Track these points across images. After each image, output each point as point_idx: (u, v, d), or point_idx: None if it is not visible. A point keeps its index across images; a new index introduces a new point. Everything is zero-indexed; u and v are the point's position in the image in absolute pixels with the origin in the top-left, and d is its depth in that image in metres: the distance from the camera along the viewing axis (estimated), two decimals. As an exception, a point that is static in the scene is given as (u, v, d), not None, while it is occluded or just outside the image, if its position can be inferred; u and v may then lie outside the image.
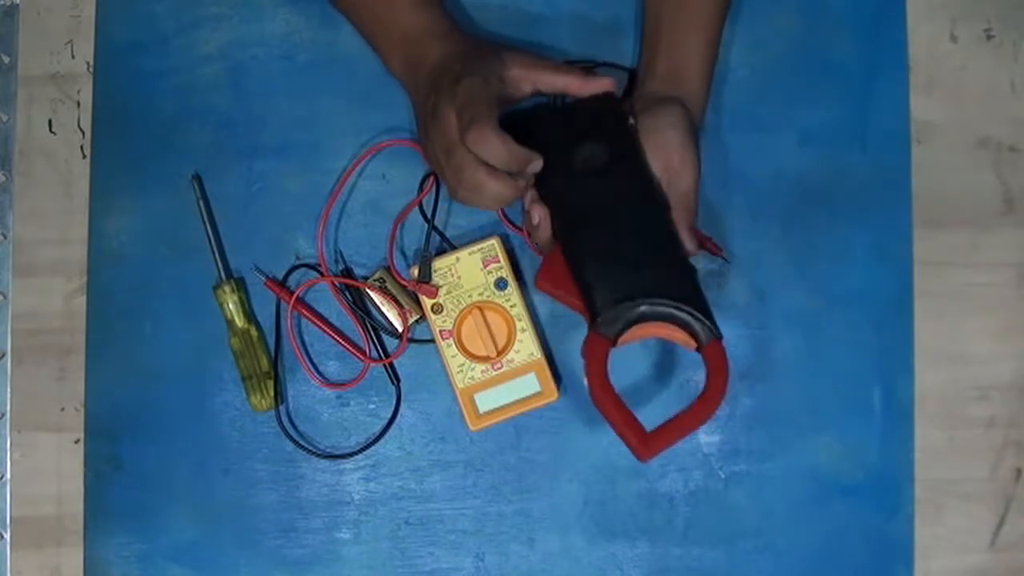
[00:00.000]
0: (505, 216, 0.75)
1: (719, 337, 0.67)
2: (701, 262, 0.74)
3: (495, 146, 0.62)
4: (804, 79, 0.76)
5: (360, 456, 0.75)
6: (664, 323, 0.67)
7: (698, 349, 0.67)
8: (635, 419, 0.66)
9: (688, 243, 0.68)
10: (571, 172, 0.69)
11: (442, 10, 0.71)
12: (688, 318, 0.66)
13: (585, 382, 0.67)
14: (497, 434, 0.75)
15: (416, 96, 0.70)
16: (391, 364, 0.75)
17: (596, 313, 0.66)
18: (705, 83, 0.72)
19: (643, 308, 0.66)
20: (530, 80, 0.69)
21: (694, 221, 0.69)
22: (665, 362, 0.75)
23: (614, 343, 0.66)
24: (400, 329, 0.74)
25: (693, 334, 0.67)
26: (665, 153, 0.68)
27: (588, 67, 0.76)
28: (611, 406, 0.66)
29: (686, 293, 0.66)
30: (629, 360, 0.74)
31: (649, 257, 0.67)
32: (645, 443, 0.65)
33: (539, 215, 0.68)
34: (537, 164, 0.65)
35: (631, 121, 0.70)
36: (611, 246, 0.67)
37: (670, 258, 0.67)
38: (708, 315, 0.66)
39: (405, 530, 0.75)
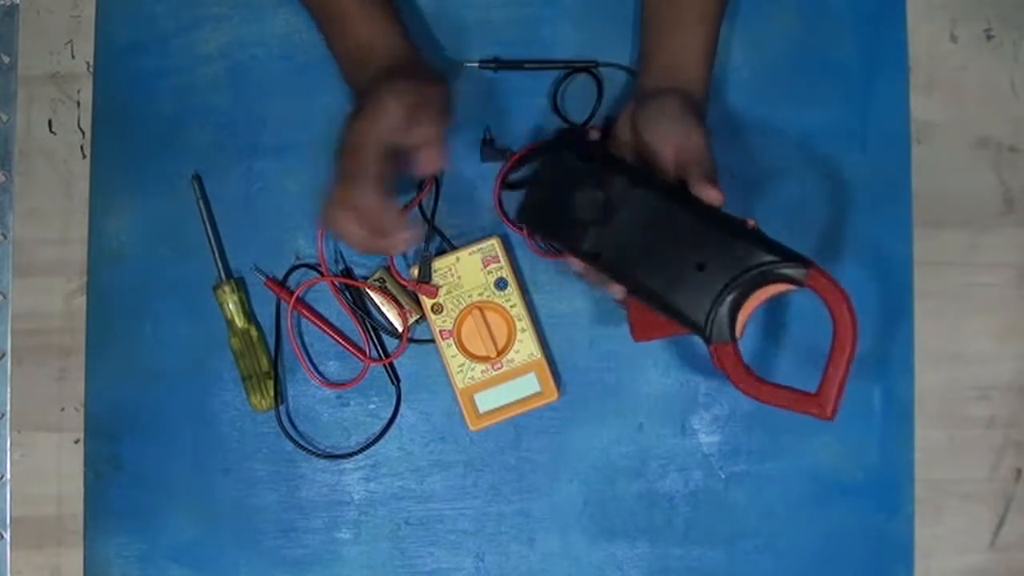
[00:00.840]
0: (505, 215, 0.75)
1: (811, 263, 0.64)
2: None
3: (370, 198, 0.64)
4: (804, 79, 0.76)
5: (360, 456, 0.75)
6: (760, 289, 0.65)
7: (802, 286, 0.65)
8: (799, 392, 0.65)
9: (714, 195, 0.65)
10: (587, 226, 0.68)
11: (396, 24, 0.70)
12: (774, 271, 0.64)
13: (737, 389, 0.66)
14: (497, 434, 0.75)
15: (354, 102, 0.70)
16: (391, 364, 0.75)
17: (702, 330, 0.66)
18: (704, 74, 0.71)
19: (733, 295, 0.65)
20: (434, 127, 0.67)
21: (712, 174, 0.67)
22: (778, 321, 0.75)
23: (735, 341, 0.66)
24: (400, 329, 0.74)
25: (788, 280, 0.65)
26: (665, 130, 0.67)
27: (588, 67, 0.76)
28: (771, 395, 0.65)
29: (757, 251, 0.65)
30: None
31: (702, 249, 0.65)
32: (821, 405, 0.65)
33: (603, 284, 0.69)
34: (398, 243, 0.65)
35: (593, 137, 0.70)
36: (666, 266, 0.66)
37: (719, 235, 0.65)
38: (789, 253, 0.65)
39: (405, 530, 0.75)
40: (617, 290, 0.69)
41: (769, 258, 0.64)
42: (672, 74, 0.71)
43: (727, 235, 0.65)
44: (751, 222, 0.66)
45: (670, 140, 0.67)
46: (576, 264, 0.69)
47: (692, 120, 0.67)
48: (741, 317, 0.66)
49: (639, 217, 0.67)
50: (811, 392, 0.65)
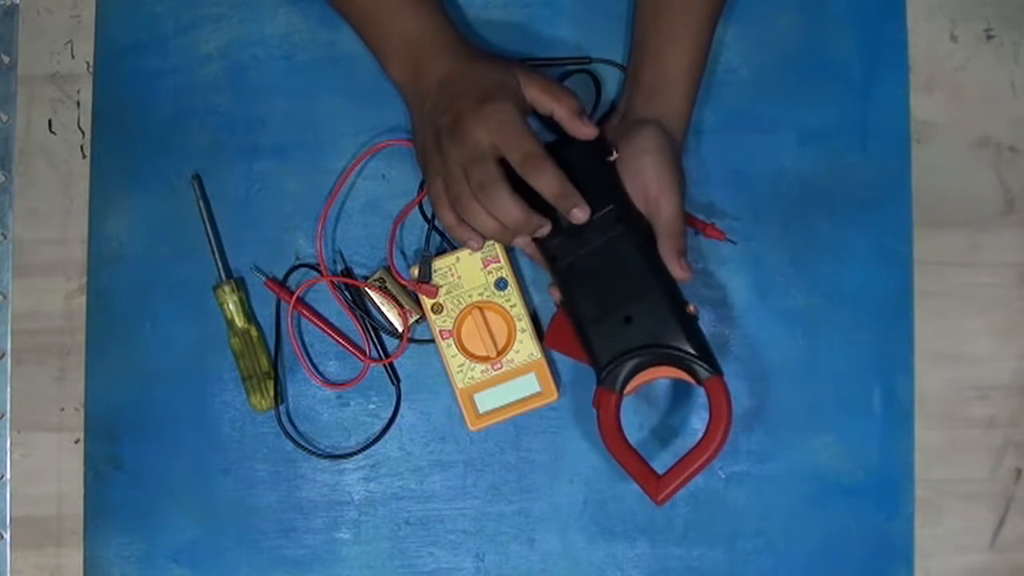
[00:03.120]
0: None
1: (719, 373, 0.68)
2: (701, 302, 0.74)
3: (549, 177, 0.65)
4: (804, 79, 0.76)
5: (360, 456, 0.75)
6: (665, 367, 0.69)
7: (700, 385, 0.69)
8: (647, 466, 0.69)
9: (678, 271, 0.68)
10: (559, 230, 0.68)
11: (444, 17, 0.70)
12: (685, 358, 0.68)
13: (598, 432, 0.69)
14: (497, 434, 0.75)
15: (417, 103, 0.70)
16: (391, 364, 0.75)
17: (599, 369, 0.68)
18: (688, 95, 0.71)
19: (641, 359, 0.68)
20: (546, 106, 0.68)
21: (682, 247, 0.69)
22: (682, 399, 0.75)
23: (621, 394, 0.68)
24: (400, 329, 0.74)
25: (692, 373, 0.68)
26: (641, 182, 0.68)
27: (585, 64, 0.76)
28: (624, 455, 0.69)
29: (680, 336, 0.68)
30: (649, 400, 0.75)
31: (640, 306, 0.68)
32: (657, 488, 0.68)
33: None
34: (545, 230, 0.67)
35: (613, 156, 0.69)
36: (603, 301, 0.69)
37: (662, 304, 0.68)
38: (705, 352, 0.68)
39: (405, 530, 0.75)
40: (555, 294, 0.71)
41: (688, 349, 0.68)
42: (658, 92, 0.71)
43: (665, 307, 0.68)
44: (692, 308, 0.69)
45: (640, 189, 0.68)
46: (529, 247, 0.71)
47: (668, 172, 0.68)
48: (637, 380, 0.69)
49: (604, 247, 0.69)
50: (657, 473, 0.68)
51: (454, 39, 0.70)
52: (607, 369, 0.68)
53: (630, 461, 0.69)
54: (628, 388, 0.69)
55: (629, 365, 0.68)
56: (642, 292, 0.68)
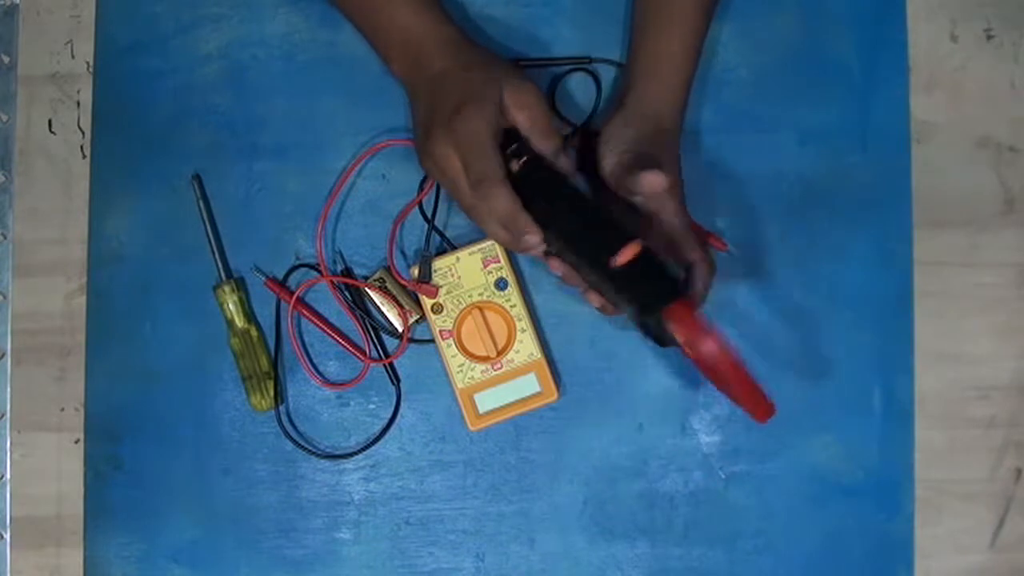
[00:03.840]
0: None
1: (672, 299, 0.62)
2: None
3: (501, 205, 0.63)
4: (804, 79, 0.76)
5: (360, 456, 0.75)
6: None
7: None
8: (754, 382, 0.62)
9: (643, 183, 0.65)
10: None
11: (443, 13, 0.70)
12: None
13: (701, 368, 0.63)
14: (497, 434, 0.75)
15: (415, 100, 0.70)
16: (391, 364, 0.75)
17: (668, 287, 0.63)
18: (680, 81, 0.71)
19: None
20: (521, 120, 0.66)
21: (691, 244, 0.67)
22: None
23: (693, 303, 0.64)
24: (400, 329, 0.74)
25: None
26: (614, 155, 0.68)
27: (585, 64, 0.76)
28: (743, 374, 0.62)
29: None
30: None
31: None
32: (763, 402, 0.62)
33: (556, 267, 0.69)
34: (531, 239, 0.64)
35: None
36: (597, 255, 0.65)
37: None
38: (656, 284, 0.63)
39: (405, 530, 0.75)
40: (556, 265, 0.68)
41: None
42: (649, 83, 0.71)
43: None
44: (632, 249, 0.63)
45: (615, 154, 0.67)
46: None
47: (639, 142, 0.67)
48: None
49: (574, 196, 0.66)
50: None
51: (449, 38, 0.69)
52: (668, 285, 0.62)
53: (748, 379, 0.61)
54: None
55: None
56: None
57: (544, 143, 0.65)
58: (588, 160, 0.71)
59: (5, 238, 0.77)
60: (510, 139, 0.66)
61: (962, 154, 0.77)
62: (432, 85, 0.67)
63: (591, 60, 0.76)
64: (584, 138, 0.74)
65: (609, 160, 0.68)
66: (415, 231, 0.76)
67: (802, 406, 0.75)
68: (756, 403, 0.62)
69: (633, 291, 0.63)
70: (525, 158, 0.65)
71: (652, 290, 0.63)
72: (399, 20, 0.69)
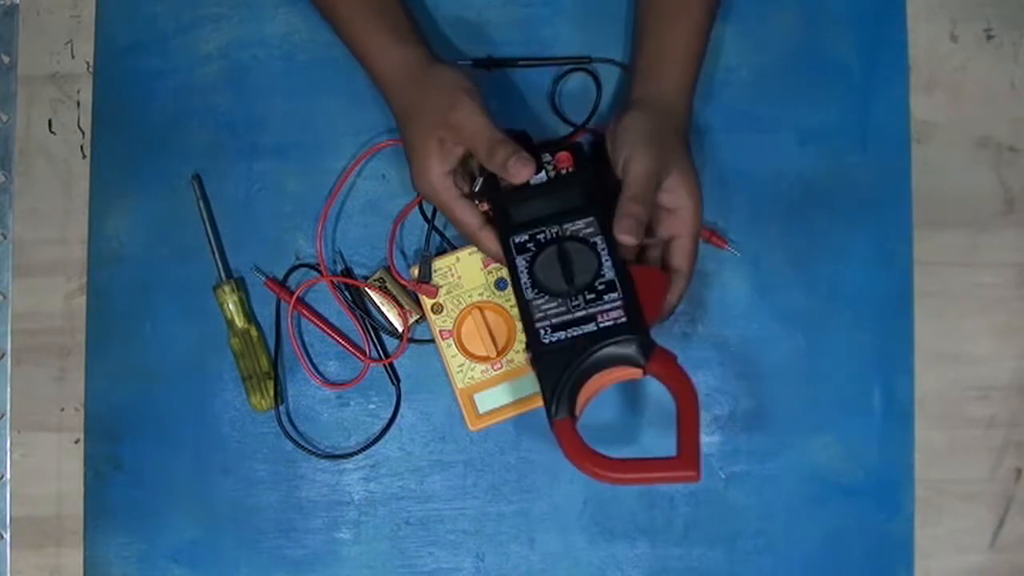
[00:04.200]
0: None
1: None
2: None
3: (461, 225, 0.70)
4: (804, 79, 0.76)
5: (360, 456, 0.75)
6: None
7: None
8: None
9: (621, 233, 0.65)
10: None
11: (403, 51, 0.70)
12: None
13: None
14: (497, 434, 0.75)
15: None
16: (391, 364, 0.75)
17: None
18: (685, 74, 0.71)
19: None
20: (464, 149, 0.68)
21: (637, 212, 0.65)
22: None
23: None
24: (400, 329, 0.74)
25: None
26: (618, 155, 0.68)
27: (585, 64, 0.76)
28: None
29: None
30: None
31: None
32: (687, 465, 0.62)
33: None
34: (491, 248, 0.69)
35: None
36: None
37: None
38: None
39: (405, 530, 0.75)
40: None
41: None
42: (654, 77, 0.71)
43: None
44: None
45: (618, 156, 0.68)
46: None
47: (643, 141, 0.67)
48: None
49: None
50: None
51: (393, 77, 0.70)
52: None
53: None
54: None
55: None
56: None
57: (489, 163, 0.67)
58: (600, 160, 0.70)
59: (5, 238, 0.77)
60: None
61: (962, 154, 0.77)
62: (399, 122, 0.71)
63: (591, 60, 0.76)
64: (592, 138, 0.74)
65: (622, 157, 0.68)
66: (415, 231, 0.76)
67: (802, 406, 0.75)
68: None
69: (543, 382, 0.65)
70: (483, 176, 0.69)
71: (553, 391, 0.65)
72: (373, 61, 0.71)
